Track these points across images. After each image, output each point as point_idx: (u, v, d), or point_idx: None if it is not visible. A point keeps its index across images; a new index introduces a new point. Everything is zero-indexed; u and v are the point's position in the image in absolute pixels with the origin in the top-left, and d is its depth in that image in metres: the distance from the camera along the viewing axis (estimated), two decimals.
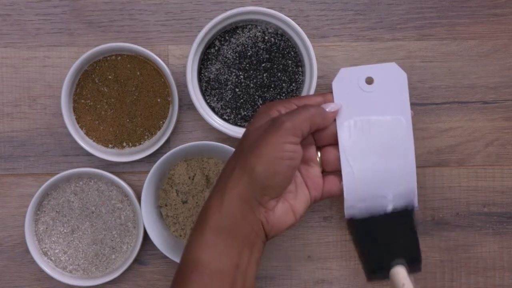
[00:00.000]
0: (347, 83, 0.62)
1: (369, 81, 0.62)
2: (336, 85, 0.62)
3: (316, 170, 0.62)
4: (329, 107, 0.61)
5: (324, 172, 0.64)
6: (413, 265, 0.61)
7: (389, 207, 0.62)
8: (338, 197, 0.64)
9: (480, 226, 0.72)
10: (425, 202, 0.72)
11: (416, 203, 0.63)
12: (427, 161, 0.72)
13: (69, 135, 0.69)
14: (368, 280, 0.63)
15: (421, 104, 0.71)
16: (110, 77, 0.69)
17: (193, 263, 0.56)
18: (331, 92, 0.62)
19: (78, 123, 0.70)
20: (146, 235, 0.68)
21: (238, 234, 0.57)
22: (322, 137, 0.62)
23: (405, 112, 0.62)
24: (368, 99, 0.62)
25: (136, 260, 0.71)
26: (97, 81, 0.69)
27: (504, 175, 0.72)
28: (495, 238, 0.72)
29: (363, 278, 0.72)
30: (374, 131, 0.62)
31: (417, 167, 0.71)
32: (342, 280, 0.72)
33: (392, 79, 0.62)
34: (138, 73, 0.69)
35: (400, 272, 0.60)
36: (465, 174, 0.72)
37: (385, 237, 0.62)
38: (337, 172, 0.63)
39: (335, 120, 0.62)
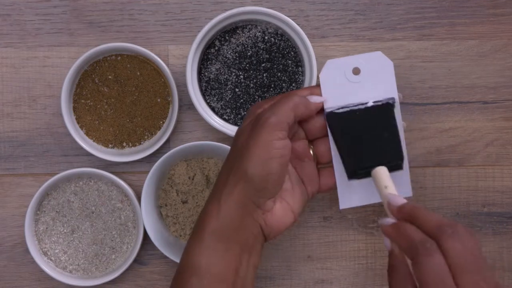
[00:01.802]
0: (334, 74, 0.62)
1: (356, 71, 0.62)
2: (323, 76, 0.62)
3: (310, 165, 0.62)
4: (312, 99, 0.60)
5: (319, 165, 0.63)
6: (395, 163, 0.60)
7: (370, 102, 0.61)
8: (335, 190, 0.63)
9: (480, 226, 0.72)
10: (425, 202, 0.72)
11: (397, 98, 0.61)
12: (427, 161, 0.72)
13: (69, 135, 0.69)
14: (349, 179, 0.61)
15: (421, 104, 0.71)
16: (110, 77, 0.69)
17: (192, 268, 0.56)
18: (319, 86, 0.62)
19: (78, 123, 0.70)
20: (146, 235, 0.68)
21: (237, 239, 0.56)
22: (312, 130, 0.62)
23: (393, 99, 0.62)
24: (356, 89, 0.62)
25: (136, 260, 0.71)
26: (97, 81, 0.69)
27: (504, 175, 0.72)
28: (495, 238, 0.72)
29: (363, 278, 0.72)
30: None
31: (417, 167, 0.71)
32: (342, 280, 0.72)
33: (378, 68, 0.62)
34: (138, 73, 0.69)
35: (382, 173, 0.58)
36: (465, 174, 0.72)
37: (365, 134, 0.60)
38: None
39: (323, 110, 0.61)
